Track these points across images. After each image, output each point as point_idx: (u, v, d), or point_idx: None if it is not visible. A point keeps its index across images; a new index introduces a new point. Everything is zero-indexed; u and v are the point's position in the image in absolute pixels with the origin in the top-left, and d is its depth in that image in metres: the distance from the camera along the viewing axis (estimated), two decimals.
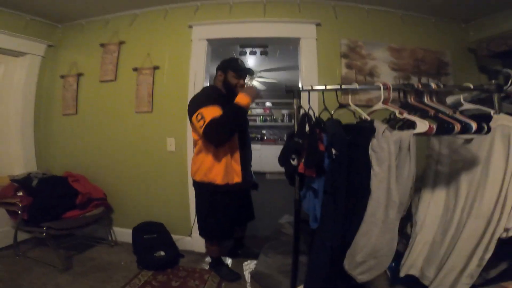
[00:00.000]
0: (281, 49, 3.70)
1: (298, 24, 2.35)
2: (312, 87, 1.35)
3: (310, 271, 1.37)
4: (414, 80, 2.34)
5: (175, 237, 2.30)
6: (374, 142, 1.11)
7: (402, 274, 1.35)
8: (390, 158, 1.07)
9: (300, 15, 2.36)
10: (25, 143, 2.47)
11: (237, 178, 1.73)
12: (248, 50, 3.06)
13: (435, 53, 2.40)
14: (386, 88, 1.27)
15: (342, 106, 1.41)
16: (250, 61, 4.34)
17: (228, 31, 2.37)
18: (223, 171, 1.68)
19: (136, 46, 2.46)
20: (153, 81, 2.37)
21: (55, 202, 2.10)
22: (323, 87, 1.35)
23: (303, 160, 1.16)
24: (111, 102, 2.49)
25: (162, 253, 2.08)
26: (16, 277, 1.88)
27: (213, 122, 1.51)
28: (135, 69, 2.41)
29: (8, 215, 2.12)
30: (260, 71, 5.01)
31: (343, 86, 1.33)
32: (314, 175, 1.15)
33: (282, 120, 7.41)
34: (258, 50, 3.09)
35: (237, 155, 1.74)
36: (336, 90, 1.33)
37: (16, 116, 2.42)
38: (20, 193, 2.07)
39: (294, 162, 1.22)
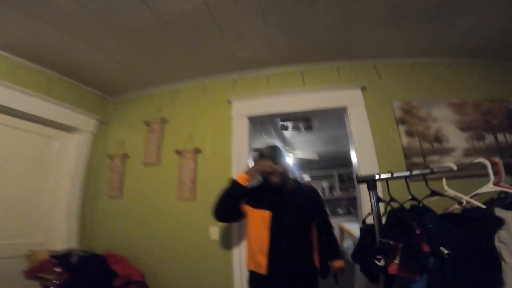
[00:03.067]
0: (319, 119, 3.58)
1: (341, 90, 2.21)
2: (392, 175, 1.10)
3: None
4: (489, 139, 1.98)
5: None
6: (502, 234, 0.87)
7: None
8: None
9: (342, 79, 2.26)
10: (69, 219, 2.43)
11: (261, 270, 1.58)
12: (289, 124, 2.88)
13: (502, 102, 2.07)
14: (495, 164, 0.99)
15: (435, 193, 1.11)
16: (287, 132, 4.23)
17: (268, 106, 2.28)
18: (249, 259, 1.67)
19: (178, 125, 2.47)
20: (195, 165, 2.29)
21: (93, 282, 1.92)
22: (406, 173, 1.09)
23: (395, 262, 0.87)
24: (154, 187, 2.43)
25: None
26: None
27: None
28: (178, 152, 2.37)
29: None
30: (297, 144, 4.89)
31: (435, 170, 1.06)
32: (417, 277, 0.88)
33: (323, 193, 6.96)
34: (301, 125, 2.90)
35: (263, 245, 1.60)
36: (424, 175, 1.07)
37: (64, 192, 2.44)
38: (57, 269, 1.92)
39: (381, 263, 0.96)
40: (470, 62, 2.24)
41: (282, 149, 1.79)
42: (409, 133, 2.01)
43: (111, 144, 2.69)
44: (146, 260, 2.32)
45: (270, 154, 1.67)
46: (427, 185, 1.07)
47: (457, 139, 1.97)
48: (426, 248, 0.89)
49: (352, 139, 2.13)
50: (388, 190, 1.14)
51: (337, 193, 6.85)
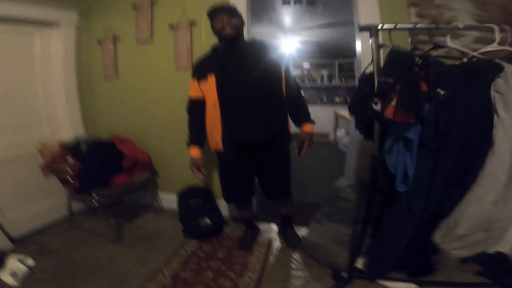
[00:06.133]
0: (323, 2, 3.28)
1: None
2: (396, 26, 1.05)
3: (384, 243, 1.17)
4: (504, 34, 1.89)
5: (219, 202, 2.21)
6: (499, 82, 0.86)
7: (491, 251, 1.11)
8: None
9: None
10: (71, 109, 2.50)
11: (218, 146, 1.57)
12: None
13: None
14: (502, 29, 1.00)
15: (437, 46, 1.09)
16: (288, 18, 3.96)
17: None
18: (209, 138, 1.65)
19: (170, 3, 2.27)
20: (191, 37, 2.20)
21: (103, 166, 2.07)
22: (409, 25, 1.05)
23: (392, 104, 0.91)
24: (150, 61, 2.38)
25: (208, 220, 2.01)
26: (70, 250, 1.93)
27: (188, 110, 1.70)
28: (171, 26, 2.26)
29: (60, 184, 2.14)
30: (298, 30, 4.61)
31: (441, 25, 1.04)
32: (413, 120, 0.89)
33: (322, 81, 7.01)
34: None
35: (215, 116, 1.54)
36: (427, 28, 1.04)
37: (59, 84, 2.43)
38: (70, 159, 2.06)
39: (378, 107, 0.97)
40: None
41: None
42: (420, 15, 1.85)
43: (99, 31, 2.53)
44: (149, 140, 2.46)
45: (224, 7, 1.50)
46: (431, 39, 1.06)
47: None
48: (424, 87, 0.90)
49: (357, 21, 1.96)
50: (391, 40, 1.11)
51: (336, 81, 6.92)
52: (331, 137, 5.41)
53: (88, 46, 2.56)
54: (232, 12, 1.49)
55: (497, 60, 0.94)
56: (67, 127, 2.48)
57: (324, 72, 6.98)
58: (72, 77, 2.48)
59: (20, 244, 1.97)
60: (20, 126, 2.20)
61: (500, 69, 0.88)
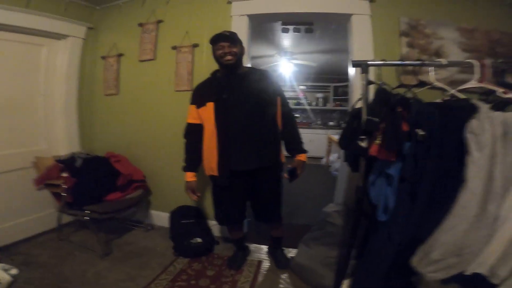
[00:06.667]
0: (321, 30, 3.45)
1: None
2: (385, 60, 1.14)
3: (368, 265, 1.23)
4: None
5: (211, 222, 2.23)
6: (473, 123, 0.93)
7: (468, 272, 1.17)
8: (494, 142, 0.89)
9: None
10: (69, 124, 2.50)
11: (214, 171, 1.61)
12: (291, 27, 2.78)
13: None
14: (482, 65, 1.06)
15: (422, 84, 1.19)
16: (286, 41, 4.13)
17: (270, 6, 2.18)
18: (205, 163, 1.68)
19: (174, 25, 2.37)
20: (192, 59, 2.28)
21: (98, 184, 2.09)
22: (397, 61, 1.15)
23: (376, 142, 0.99)
24: (151, 81, 2.44)
25: (199, 239, 2.03)
26: (57, 262, 1.90)
27: (185, 135, 1.73)
28: (174, 48, 2.33)
29: (53, 197, 2.14)
30: (296, 53, 4.80)
31: (426, 62, 1.11)
32: (394, 158, 0.97)
33: (317, 104, 7.14)
34: (302, 27, 2.81)
35: (212, 142, 1.59)
36: (414, 65, 1.14)
37: (60, 97, 2.45)
38: (64, 174, 2.06)
39: (364, 144, 1.05)
40: None
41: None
42: (410, 45, 2.00)
43: (104, 47, 2.61)
44: (145, 159, 2.47)
45: (226, 35, 1.57)
46: (415, 76, 1.15)
47: (456, 57, 1.96)
48: (405, 127, 0.98)
49: (351, 47, 2.11)
50: (379, 77, 1.21)
51: (330, 104, 7.05)
52: (324, 161, 5.54)
53: (92, 61, 2.62)
54: (233, 40, 1.57)
55: (473, 100, 1.01)
56: (64, 142, 2.47)
57: (319, 95, 7.12)
58: (73, 91, 2.51)
59: (6, 253, 1.95)
60: (17, 138, 2.20)
61: (475, 110, 0.95)
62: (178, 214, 2.20)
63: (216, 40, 1.57)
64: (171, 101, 2.37)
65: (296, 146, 1.72)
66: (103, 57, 2.58)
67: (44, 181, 2.08)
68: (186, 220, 2.13)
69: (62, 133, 2.47)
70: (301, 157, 1.71)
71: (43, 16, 2.21)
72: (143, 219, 2.48)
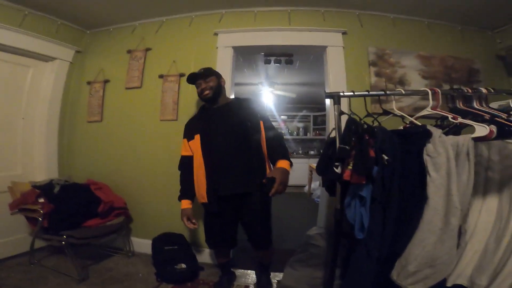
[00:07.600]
0: (300, 61, 3.70)
1: (323, 32, 2.33)
2: (354, 93, 1.28)
3: (351, 283, 1.28)
4: (445, 88, 2.27)
5: (195, 249, 2.22)
6: (429, 147, 1.06)
7: (449, 284, 1.25)
8: (448, 163, 1.01)
9: (325, 23, 2.35)
10: (48, 149, 2.44)
11: (203, 198, 1.68)
12: (272, 58, 3.02)
13: (465, 60, 2.35)
14: (435, 93, 1.22)
15: (385, 112, 1.34)
16: (269, 72, 4.39)
17: (254, 39, 2.37)
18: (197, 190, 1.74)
19: (162, 53, 2.46)
20: (178, 89, 2.35)
21: (77, 210, 2.05)
22: (365, 92, 1.29)
23: (349, 167, 1.10)
24: (136, 109, 2.47)
25: (183, 265, 1.99)
26: (30, 287, 1.81)
27: (180, 167, 1.81)
28: (161, 76, 2.40)
29: (27, 222, 2.07)
30: (277, 84, 5.04)
31: (388, 92, 1.27)
32: (364, 181, 1.08)
33: (297, 134, 7.37)
34: (283, 59, 3.05)
35: (200, 171, 1.67)
36: (378, 95, 1.29)
37: (41, 121, 2.41)
38: (41, 200, 2.01)
39: (338, 170, 1.16)
40: (449, 26, 2.42)
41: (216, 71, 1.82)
42: (378, 74, 2.24)
43: (90, 72, 2.63)
44: (127, 186, 2.44)
45: (200, 73, 1.72)
46: (380, 105, 1.30)
47: (417, 84, 2.22)
48: (372, 153, 1.08)
49: (327, 76, 2.32)
50: (350, 107, 1.34)
51: (311, 134, 7.30)
52: (306, 189, 5.69)
53: (77, 85, 2.63)
54: (206, 76, 1.72)
55: (428, 126, 1.14)
56: (41, 167, 2.40)
57: (300, 125, 7.40)
58: (55, 115, 2.48)
59: None
60: None
61: (429, 135, 1.08)
62: (161, 241, 2.16)
63: (191, 80, 1.76)
64: (155, 130, 2.40)
65: (278, 154, 1.67)
66: (89, 83, 2.59)
67: (19, 206, 2.02)
68: (169, 247, 2.10)
69: (41, 159, 2.40)
70: (283, 163, 1.61)
71: (34, 37, 2.24)
72: (124, 246, 2.40)
